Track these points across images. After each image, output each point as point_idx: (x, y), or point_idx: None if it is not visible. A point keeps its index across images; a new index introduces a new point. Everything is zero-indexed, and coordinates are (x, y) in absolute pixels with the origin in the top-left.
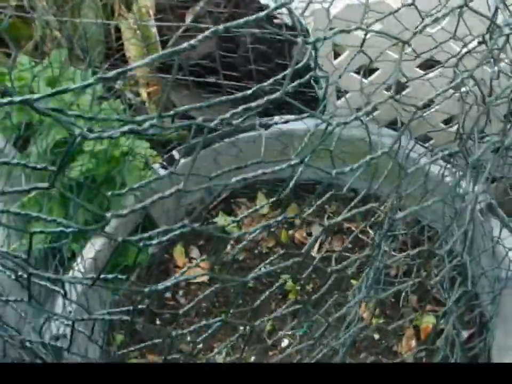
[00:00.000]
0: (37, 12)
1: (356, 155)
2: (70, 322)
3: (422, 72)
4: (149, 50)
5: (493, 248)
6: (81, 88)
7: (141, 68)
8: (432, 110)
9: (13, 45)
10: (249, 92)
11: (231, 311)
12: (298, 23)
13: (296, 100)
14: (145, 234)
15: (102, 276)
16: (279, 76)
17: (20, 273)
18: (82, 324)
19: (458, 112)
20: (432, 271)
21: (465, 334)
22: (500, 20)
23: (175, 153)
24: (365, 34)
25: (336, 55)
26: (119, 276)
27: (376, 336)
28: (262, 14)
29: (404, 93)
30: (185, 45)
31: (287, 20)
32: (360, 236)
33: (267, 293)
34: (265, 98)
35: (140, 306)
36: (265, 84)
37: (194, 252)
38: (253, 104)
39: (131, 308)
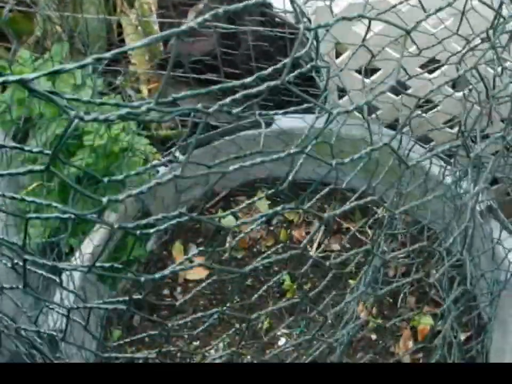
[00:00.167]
0: (38, 7)
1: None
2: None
3: (424, 73)
4: (150, 47)
5: (493, 250)
6: (78, 68)
7: (142, 64)
8: (434, 110)
9: (14, 40)
10: (248, 79)
11: (229, 306)
12: (300, 12)
13: (297, 97)
14: (142, 221)
15: (98, 264)
16: (279, 65)
17: (15, 261)
18: (79, 317)
19: (460, 112)
20: (431, 271)
21: (462, 336)
22: (504, 14)
23: (174, 150)
24: (366, 33)
25: (338, 55)
26: (116, 265)
27: (374, 337)
28: None
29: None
30: (183, 27)
31: (290, 19)
32: (359, 236)
33: (265, 286)
34: (265, 84)
35: (135, 297)
36: (264, 72)
37: (193, 250)
38: (253, 90)
39: (127, 298)
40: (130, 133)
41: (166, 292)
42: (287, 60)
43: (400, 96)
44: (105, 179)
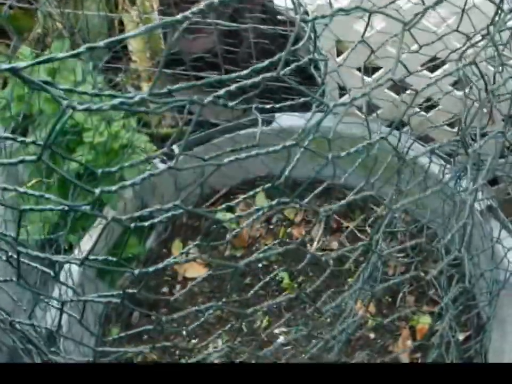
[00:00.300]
0: (39, 3)
1: (355, 154)
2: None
3: (425, 71)
4: (151, 44)
5: (492, 250)
6: (72, 57)
7: (143, 62)
8: (435, 109)
9: (15, 36)
10: (244, 71)
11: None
12: (298, 4)
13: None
14: (136, 214)
15: (92, 257)
16: (275, 58)
17: (10, 254)
18: (76, 314)
19: (460, 111)
20: (430, 270)
21: (461, 335)
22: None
23: (174, 147)
24: (366, 28)
25: (338, 54)
26: (110, 258)
27: (372, 336)
28: None
29: (407, 92)
30: (179, 16)
31: (292, 16)
32: (359, 235)
33: (261, 283)
34: (260, 76)
35: (130, 291)
36: (260, 65)
37: (192, 248)
38: (248, 82)
39: (122, 291)
40: (131, 130)
41: (165, 289)
42: (283, 53)
43: (400, 94)
44: (99, 170)
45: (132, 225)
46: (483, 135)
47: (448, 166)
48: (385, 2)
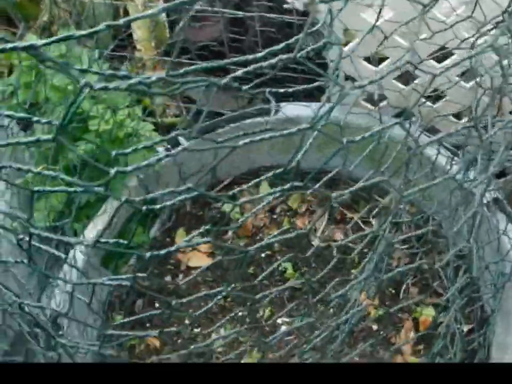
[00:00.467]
0: None
1: (362, 144)
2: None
3: (434, 62)
4: (156, 33)
5: (498, 242)
6: (89, 35)
7: (148, 51)
8: (443, 100)
9: (21, 24)
10: (260, 54)
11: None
12: None
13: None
14: (149, 196)
15: (103, 240)
16: (292, 40)
17: (21, 236)
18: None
19: (469, 102)
20: (435, 261)
21: (465, 328)
22: None
23: (179, 136)
24: (378, 16)
25: (345, 44)
26: (121, 241)
27: (375, 327)
28: None
29: (416, 81)
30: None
31: (298, 5)
32: (363, 226)
33: (268, 271)
34: (277, 58)
35: (140, 274)
36: (276, 47)
37: (196, 237)
38: (265, 64)
39: (132, 275)
40: (136, 119)
41: (168, 278)
42: (301, 35)
43: (411, 83)
44: (113, 152)
45: (144, 207)
46: (484, 127)
47: (455, 158)
48: None
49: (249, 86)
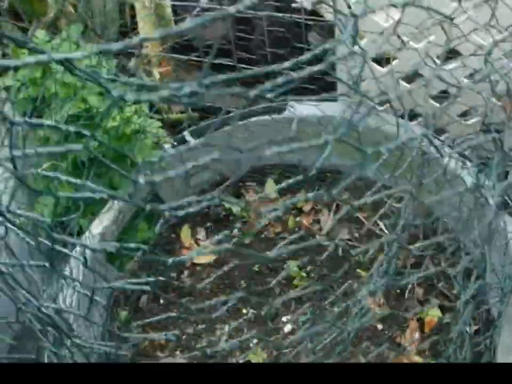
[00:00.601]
0: None
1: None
2: (74, 300)
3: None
4: (162, 28)
5: (506, 245)
6: (122, 49)
7: (154, 46)
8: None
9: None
10: (287, 64)
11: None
12: None
13: (312, 84)
14: (184, 200)
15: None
16: (317, 51)
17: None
18: (85, 298)
19: (475, 104)
20: (441, 261)
21: (471, 329)
22: None
23: (186, 134)
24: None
25: None
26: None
27: (380, 327)
28: None
29: (422, 83)
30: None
31: (306, 4)
32: (367, 224)
33: (281, 276)
34: (308, 70)
35: (161, 278)
36: (304, 57)
37: (201, 233)
38: (294, 75)
39: (154, 279)
40: (143, 116)
41: (173, 275)
42: (328, 44)
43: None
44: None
45: (166, 213)
46: (497, 131)
47: (466, 160)
48: None
49: (274, 93)
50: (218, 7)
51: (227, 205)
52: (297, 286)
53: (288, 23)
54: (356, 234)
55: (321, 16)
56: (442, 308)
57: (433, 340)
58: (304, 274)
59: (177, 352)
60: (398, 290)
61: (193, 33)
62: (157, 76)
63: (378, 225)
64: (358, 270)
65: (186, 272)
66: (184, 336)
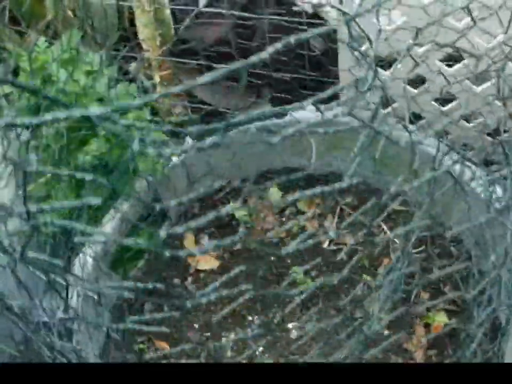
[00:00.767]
0: None
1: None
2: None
3: (443, 65)
4: (161, 33)
5: None
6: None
7: (154, 50)
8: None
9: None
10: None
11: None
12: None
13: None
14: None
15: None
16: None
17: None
18: (90, 305)
19: (479, 107)
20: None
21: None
22: None
23: (187, 138)
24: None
25: None
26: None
27: (386, 332)
28: None
29: (424, 86)
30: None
31: (307, 7)
32: (371, 229)
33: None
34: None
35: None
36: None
37: (204, 239)
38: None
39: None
40: (144, 122)
41: (176, 281)
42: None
43: (417, 89)
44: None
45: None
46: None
47: (475, 168)
48: (406, 0)
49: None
50: (217, 11)
51: (231, 211)
52: (303, 291)
53: (289, 27)
54: (361, 239)
55: (323, 19)
56: (448, 312)
57: (440, 345)
58: (309, 280)
59: (183, 361)
60: (404, 295)
61: (194, 36)
62: (157, 80)
63: (382, 228)
64: (364, 275)
65: (190, 279)
66: (188, 344)
